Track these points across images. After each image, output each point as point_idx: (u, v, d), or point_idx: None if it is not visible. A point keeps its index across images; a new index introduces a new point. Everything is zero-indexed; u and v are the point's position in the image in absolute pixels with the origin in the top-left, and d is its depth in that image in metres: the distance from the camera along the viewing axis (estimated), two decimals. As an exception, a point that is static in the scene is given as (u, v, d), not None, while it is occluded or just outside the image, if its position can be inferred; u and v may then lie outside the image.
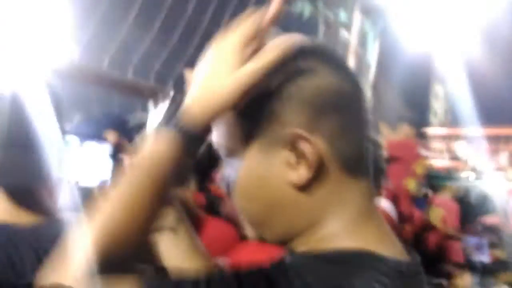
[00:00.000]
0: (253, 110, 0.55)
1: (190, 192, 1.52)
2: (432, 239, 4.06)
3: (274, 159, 0.55)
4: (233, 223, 1.56)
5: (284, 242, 0.59)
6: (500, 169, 10.73)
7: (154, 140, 0.56)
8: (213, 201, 1.56)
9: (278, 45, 0.56)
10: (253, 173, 0.57)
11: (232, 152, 0.58)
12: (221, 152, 0.60)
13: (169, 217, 0.82)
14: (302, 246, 0.56)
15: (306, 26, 3.75)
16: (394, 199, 3.43)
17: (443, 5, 15.29)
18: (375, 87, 4.74)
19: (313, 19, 3.66)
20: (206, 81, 0.55)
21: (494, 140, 12.31)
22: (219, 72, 0.54)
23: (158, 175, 0.55)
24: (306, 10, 3.46)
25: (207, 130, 0.56)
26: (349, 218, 0.56)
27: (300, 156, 0.54)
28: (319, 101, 0.54)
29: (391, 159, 3.63)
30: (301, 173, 0.54)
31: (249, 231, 0.62)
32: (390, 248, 0.55)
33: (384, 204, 2.28)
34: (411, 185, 3.56)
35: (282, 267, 0.52)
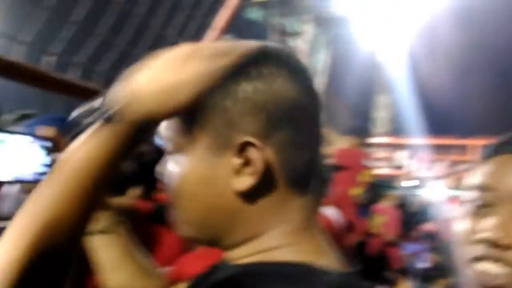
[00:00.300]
0: (207, 108, 0.54)
1: (136, 200, 1.46)
2: (374, 247, 4.18)
3: (221, 160, 0.54)
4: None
5: (219, 247, 0.58)
6: (440, 177, 11.26)
7: (87, 134, 0.54)
8: (160, 209, 1.51)
9: (240, 46, 0.55)
10: (198, 172, 0.55)
11: (180, 147, 0.57)
12: (168, 146, 0.59)
13: (104, 220, 0.79)
14: (242, 258, 0.55)
15: (258, 32, 3.77)
16: (339, 207, 3.50)
17: (388, 17, 15.91)
18: (325, 96, 4.83)
19: (264, 26, 3.69)
20: (163, 76, 0.53)
21: (435, 149, 12.89)
22: (176, 68, 0.53)
23: (87, 170, 0.52)
24: (259, 17, 3.48)
25: (154, 124, 0.55)
26: (290, 231, 0.55)
27: (247, 162, 0.53)
28: (275, 109, 0.53)
29: (339, 167, 3.70)
30: (245, 180, 0.53)
31: (181, 230, 0.60)
32: (330, 260, 0.55)
33: (330, 212, 2.31)
34: (356, 193, 3.65)
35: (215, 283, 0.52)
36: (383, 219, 4.42)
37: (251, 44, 0.56)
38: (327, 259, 0.54)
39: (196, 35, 3.08)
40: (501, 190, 0.68)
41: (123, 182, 1.25)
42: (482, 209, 0.69)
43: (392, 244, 4.51)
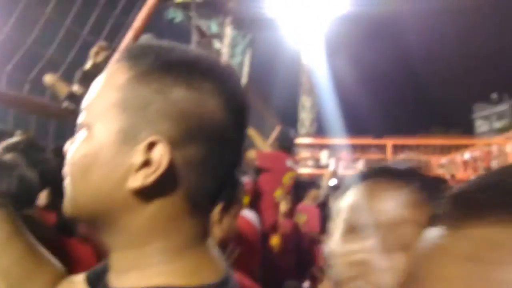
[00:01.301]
0: (136, 93, 0.52)
1: (39, 210, 1.38)
2: (302, 245, 4.28)
3: (127, 150, 0.52)
4: (90, 243, 1.45)
5: (101, 238, 0.56)
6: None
7: None
8: (66, 220, 1.43)
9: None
10: (101, 151, 0.53)
11: (93, 121, 0.54)
12: (83, 116, 0.56)
13: None
14: (120, 272, 0.54)
15: (180, 34, 3.73)
16: (263, 208, 3.54)
17: (309, 20, 16.42)
18: (247, 98, 4.86)
19: (187, 27, 3.65)
20: None
21: (355, 149, 13.48)
22: None
23: None
24: (178, 17, 3.43)
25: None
26: (171, 248, 0.54)
27: (149, 162, 0.51)
28: (197, 123, 0.52)
29: (262, 170, 3.75)
30: (140, 180, 0.51)
31: (66, 207, 0.58)
32: (204, 280, 0.54)
33: (248, 214, 2.33)
34: (279, 195, 3.71)
35: None
36: (304, 217, 4.54)
37: (205, 57, 0.56)
38: (200, 280, 0.53)
39: (112, 35, 2.98)
40: (372, 213, 0.70)
41: (28, 194, 1.18)
42: (353, 230, 0.71)
43: (315, 241, 4.64)
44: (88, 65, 2.89)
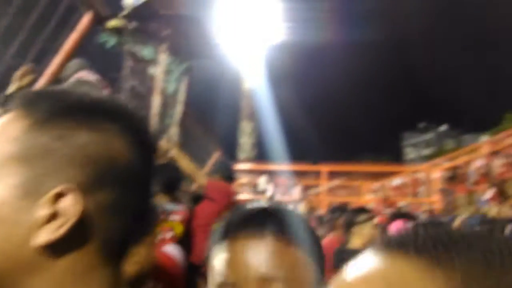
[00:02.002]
0: (34, 145, 0.49)
1: None
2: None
3: (28, 205, 0.47)
4: None
5: None
6: (295, 201, 11.97)
7: None
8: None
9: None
10: (1, 210, 0.48)
11: None
12: None
13: None
14: None
15: (112, 59, 3.66)
16: (200, 236, 3.47)
17: (250, 48, 16.74)
18: (183, 124, 4.83)
19: (119, 52, 3.59)
20: None
21: (293, 175, 13.68)
22: None
23: None
24: (111, 42, 3.38)
25: None
26: None
27: (57, 215, 0.47)
28: (106, 166, 0.50)
29: (206, 199, 3.70)
30: (49, 235, 0.47)
31: None
32: None
33: (170, 250, 2.28)
34: (217, 227, 3.66)
35: None
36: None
37: (101, 98, 0.54)
38: None
39: (39, 58, 2.87)
40: (241, 272, 0.69)
41: None
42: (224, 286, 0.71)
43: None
44: (11, 88, 2.75)
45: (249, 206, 0.79)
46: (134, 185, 0.53)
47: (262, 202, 0.80)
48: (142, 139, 0.55)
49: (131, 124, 0.55)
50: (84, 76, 3.76)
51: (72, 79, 3.77)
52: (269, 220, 0.73)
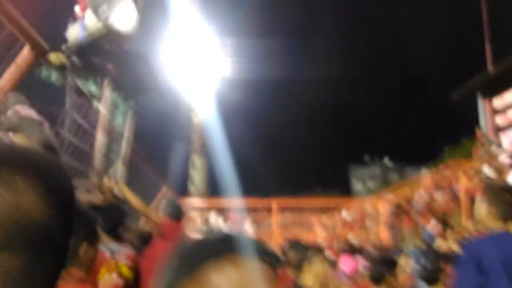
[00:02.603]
0: None
1: None
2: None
3: None
4: None
5: None
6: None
7: None
8: None
9: None
10: None
11: None
12: None
13: None
14: None
15: (54, 94, 3.53)
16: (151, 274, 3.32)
17: (199, 82, 16.81)
18: (130, 160, 4.69)
19: (62, 87, 3.47)
20: None
21: (242, 210, 13.58)
22: None
23: None
24: (53, 77, 3.26)
25: None
26: None
27: None
28: (12, 227, 0.42)
29: (159, 238, 3.57)
30: None
31: None
32: None
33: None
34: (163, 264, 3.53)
35: None
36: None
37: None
38: None
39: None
40: None
41: None
42: None
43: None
44: None
45: (198, 238, 0.72)
46: (46, 247, 0.46)
47: (208, 233, 0.74)
48: (59, 192, 0.49)
49: (46, 176, 0.48)
50: (21, 111, 3.59)
51: (8, 113, 3.59)
52: (235, 245, 0.63)
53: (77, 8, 3.25)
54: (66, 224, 0.49)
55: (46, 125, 3.74)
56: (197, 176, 19.95)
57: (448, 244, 6.53)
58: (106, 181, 3.46)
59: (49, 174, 0.49)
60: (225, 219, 13.18)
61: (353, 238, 11.53)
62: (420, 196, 10.90)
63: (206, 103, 18.46)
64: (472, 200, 8.23)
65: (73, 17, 3.32)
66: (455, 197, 9.83)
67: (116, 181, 3.62)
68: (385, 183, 34.78)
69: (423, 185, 11.73)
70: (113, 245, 2.96)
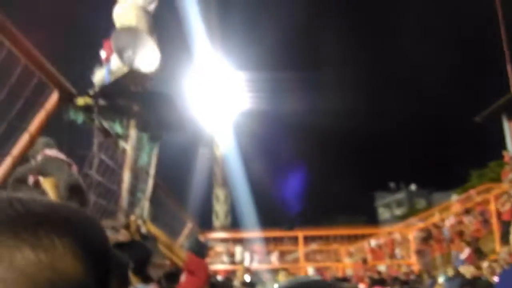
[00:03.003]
0: None
1: None
2: None
3: None
4: None
5: None
6: (273, 268, 11.67)
7: None
8: None
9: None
10: None
11: None
12: None
13: None
14: None
15: (82, 135, 3.62)
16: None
17: (219, 115, 17.00)
18: (155, 197, 4.73)
19: (89, 128, 3.56)
20: None
21: (267, 241, 13.44)
22: None
23: None
24: (79, 119, 3.36)
25: None
26: None
27: None
28: (46, 287, 0.43)
29: (188, 274, 3.58)
30: None
31: None
32: None
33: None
34: None
35: None
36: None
37: (35, 206, 0.47)
38: None
39: (7, 138, 2.80)
40: None
41: None
42: None
43: None
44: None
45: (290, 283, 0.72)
46: None
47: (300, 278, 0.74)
48: (95, 251, 0.50)
49: (83, 236, 0.49)
50: (50, 153, 3.68)
51: (38, 157, 3.69)
52: None
53: (102, 53, 3.37)
54: (102, 279, 0.51)
55: (74, 166, 3.83)
56: (220, 209, 19.93)
57: (481, 272, 6.29)
58: (132, 219, 3.49)
59: (87, 234, 0.50)
60: (251, 252, 13.05)
61: (383, 267, 11.24)
62: (449, 222, 10.63)
63: (226, 136, 18.64)
64: (504, 224, 7.96)
65: (99, 62, 3.45)
66: (485, 222, 9.56)
67: (143, 219, 3.65)
68: (412, 210, 34.00)
69: (452, 210, 11.44)
70: (141, 286, 2.96)
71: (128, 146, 3.46)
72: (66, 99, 3.12)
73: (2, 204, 0.46)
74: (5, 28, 2.39)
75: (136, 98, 3.39)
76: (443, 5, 49.87)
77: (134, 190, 3.84)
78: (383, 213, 44.62)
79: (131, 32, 3.29)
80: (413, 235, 11.46)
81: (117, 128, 3.43)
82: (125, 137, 3.54)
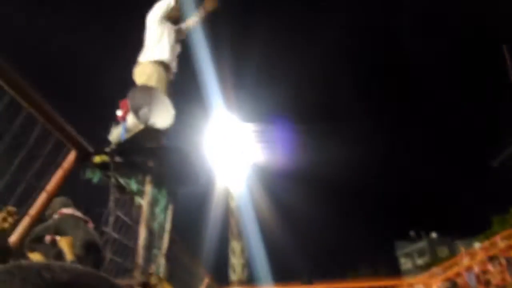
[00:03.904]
0: None
1: None
2: None
3: None
4: None
5: None
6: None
7: None
8: None
9: None
10: None
11: None
12: None
13: None
14: None
15: (98, 192, 3.65)
16: None
17: (233, 168, 17.04)
18: (171, 252, 4.68)
19: (105, 185, 3.60)
20: None
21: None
22: None
23: None
24: (96, 177, 3.40)
25: None
26: None
27: None
28: None
29: None
30: None
31: None
32: None
33: None
34: None
35: None
36: None
37: None
38: None
39: (24, 198, 2.84)
40: None
41: None
42: None
43: None
44: (-8, 232, 2.67)
45: None
46: None
47: None
48: None
49: None
50: (66, 212, 3.71)
51: (55, 216, 3.71)
52: None
53: (119, 112, 3.46)
54: None
55: (91, 223, 3.84)
56: (237, 263, 19.53)
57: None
58: (149, 278, 3.44)
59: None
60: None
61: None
62: (474, 270, 10.26)
63: (240, 188, 18.59)
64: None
65: (116, 121, 3.54)
66: (511, 268, 9.22)
67: (159, 278, 3.60)
68: (435, 259, 32.96)
69: (476, 258, 11.06)
70: None
71: (144, 202, 3.47)
72: (84, 158, 3.19)
73: (32, 273, 0.47)
74: (24, 91, 2.48)
75: (151, 154, 3.44)
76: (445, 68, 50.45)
77: (150, 246, 3.81)
78: (405, 263, 43.25)
79: (147, 90, 3.39)
80: (437, 286, 11.05)
81: (133, 185, 3.45)
82: (141, 193, 3.55)
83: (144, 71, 3.85)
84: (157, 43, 4.08)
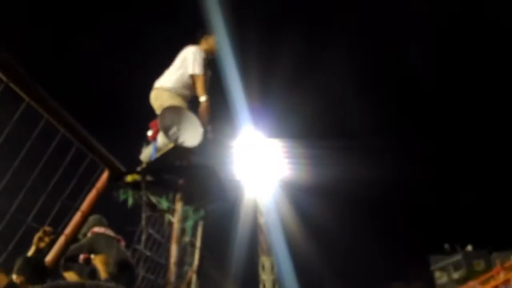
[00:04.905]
0: None
1: None
2: None
3: None
4: None
5: None
6: None
7: None
8: None
9: None
10: None
11: None
12: None
13: None
14: None
15: (130, 211, 3.73)
16: None
17: (261, 184, 17.02)
18: (201, 269, 4.71)
19: (136, 204, 3.67)
20: None
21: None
22: None
23: None
24: (130, 199, 3.51)
25: None
26: None
27: None
28: None
29: None
30: None
31: None
32: None
33: None
34: None
35: None
36: None
37: None
38: None
39: (59, 218, 2.92)
40: None
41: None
42: None
43: None
44: (30, 251, 2.76)
45: None
46: None
47: None
48: None
49: None
50: (99, 231, 3.80)
51: (88, 235, 3.80)
52: None
53: (149, 132, 3.55)
54: None
55: (123, 242, 3.90)
56: (267, 279, 19.37)
57: None
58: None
59: None
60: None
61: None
62: (511, 284, 9.90)
63: (268, 204, 18.55)
64: None
65: (146, 141, 3.62)
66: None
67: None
68: (470, 272, 31.94)
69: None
70: None
71: (174, 219, 3.52)
72: (116, 177, 3.28)
73: None
74: (60, 115, 2.57)
75: (181, 172, 3.50)
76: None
77: (181, 263, 3.84)
78: (440, 277, 41.98)
79: (176, 110, 3.46)
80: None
81: (164, 202, 3.52)
82: (172, 211, 3.61)
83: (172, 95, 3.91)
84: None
